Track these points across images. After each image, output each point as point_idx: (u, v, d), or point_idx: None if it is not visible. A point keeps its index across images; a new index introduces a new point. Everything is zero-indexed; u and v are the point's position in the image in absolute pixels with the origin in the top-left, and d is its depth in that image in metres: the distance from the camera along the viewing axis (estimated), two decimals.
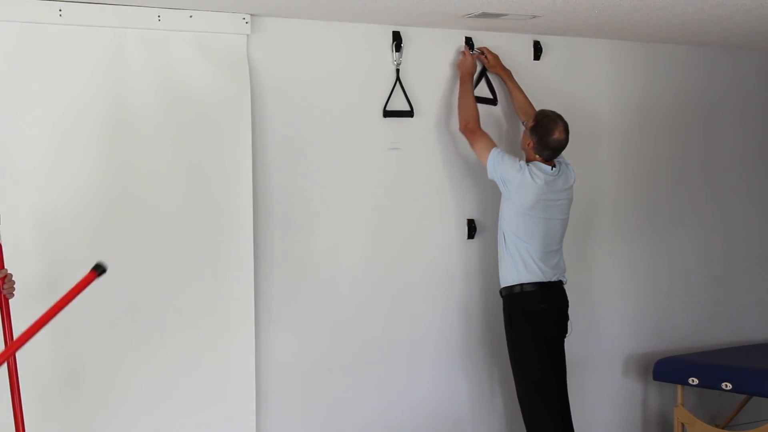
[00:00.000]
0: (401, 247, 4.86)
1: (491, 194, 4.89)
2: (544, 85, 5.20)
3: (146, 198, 4.20)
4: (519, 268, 4.60)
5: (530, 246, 4.58)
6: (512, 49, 5.11)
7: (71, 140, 4.09)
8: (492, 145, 4.67)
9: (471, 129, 4.73)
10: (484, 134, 4.74)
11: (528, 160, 4.66)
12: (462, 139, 4.93)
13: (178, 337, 4.26)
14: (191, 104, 4.26)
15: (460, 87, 4.82)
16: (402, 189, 4.88)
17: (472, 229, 5.00)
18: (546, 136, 4.60)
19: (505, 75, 4.94)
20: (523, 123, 4.79)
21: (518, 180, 4.54)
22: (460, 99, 4.82)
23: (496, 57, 4.91)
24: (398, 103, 4.81)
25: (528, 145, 4.67)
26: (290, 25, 4.52)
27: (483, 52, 4.89)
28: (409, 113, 4.85)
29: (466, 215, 5.01)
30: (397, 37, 4.78)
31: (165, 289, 4.23)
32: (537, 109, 4.86)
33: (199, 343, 4.30)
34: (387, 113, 4.78)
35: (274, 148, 4.51)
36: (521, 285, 4.61)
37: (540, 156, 4.64)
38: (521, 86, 5.02)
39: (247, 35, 4.37)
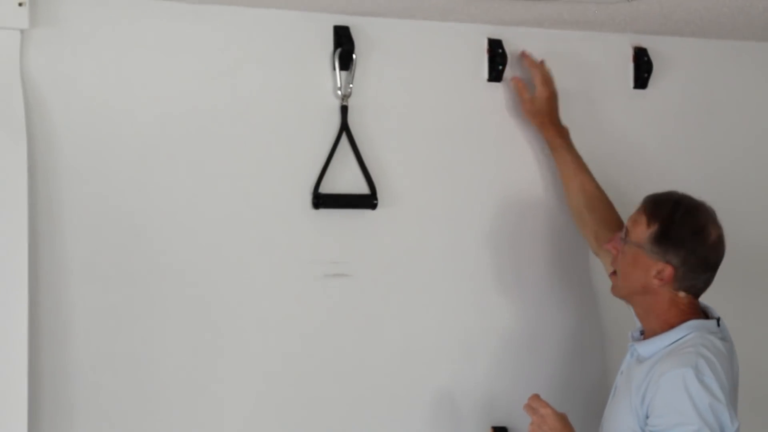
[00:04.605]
0: None
1: (529, 366, 3.38)
2: (653, 136, 3.58)
3: None
4: None
5: None
6: (590, 63, 3.47)
7: None
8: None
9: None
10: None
11: (651, 317, 2.92)
12: (470, 255, 3.31)
13: None
14: None
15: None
16: (351, 355, 3.28)
17: None
18: (700, 244, 2.87)
19: (556, 134, 3.28)
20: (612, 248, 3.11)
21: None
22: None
23: (543, 77, 3.23)
24: (345, 180, 3.23)
25: (661, 276, 2.88)
26: (110, 11, 2.99)
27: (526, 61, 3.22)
28: (368, 200, 3.21)
29: (490, 419, 3.36)
30: (343, 40, 3.08)
31: None
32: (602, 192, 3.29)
33: None
34: (320, 199, 3.16)
35: (80, 265, 2.96)
36: None
37: (688, 291, 2.89)
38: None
39: (22, 31, 3.05)
